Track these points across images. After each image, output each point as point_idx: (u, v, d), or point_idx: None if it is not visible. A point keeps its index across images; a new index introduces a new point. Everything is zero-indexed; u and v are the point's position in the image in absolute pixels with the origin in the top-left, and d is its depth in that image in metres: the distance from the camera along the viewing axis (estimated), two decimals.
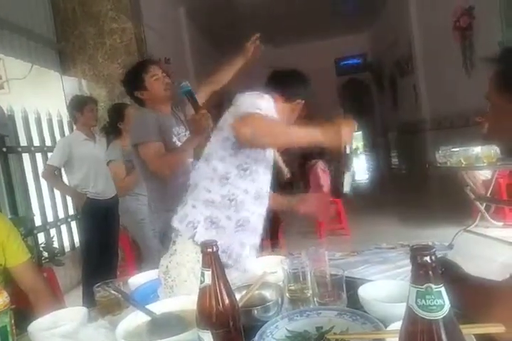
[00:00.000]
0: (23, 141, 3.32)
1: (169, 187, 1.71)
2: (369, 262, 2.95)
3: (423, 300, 0.46)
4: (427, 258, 0.46)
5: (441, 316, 0.45)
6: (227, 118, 1.30)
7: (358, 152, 13.78)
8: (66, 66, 4.18)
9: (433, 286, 0.46)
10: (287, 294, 0.92)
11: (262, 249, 3.80)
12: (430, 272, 0.46)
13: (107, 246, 2.95)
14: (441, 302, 0.46)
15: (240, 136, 1.12)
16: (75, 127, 3.17)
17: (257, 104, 1.23)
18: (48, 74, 3.98)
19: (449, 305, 0.46)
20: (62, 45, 4.12)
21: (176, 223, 1.18)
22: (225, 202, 1.20)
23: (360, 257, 3.19)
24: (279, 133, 1.19)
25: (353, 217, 4.63)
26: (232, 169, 1.23)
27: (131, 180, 2.69)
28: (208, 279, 0.63)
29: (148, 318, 0.79)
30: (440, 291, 0.46)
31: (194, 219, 1.16)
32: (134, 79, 1.91)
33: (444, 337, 0.45)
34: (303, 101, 1.46)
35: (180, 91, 1.74)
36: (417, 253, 0.47)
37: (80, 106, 2.97)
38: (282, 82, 1.47)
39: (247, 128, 1.10)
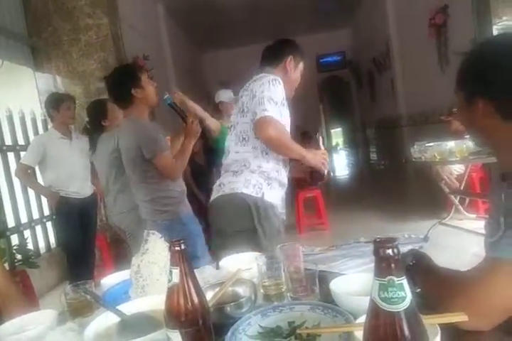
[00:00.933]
0: None
1: (172, 187, 1.97)
2: (348, 256, 2.97)
3: (385, 293, 0.46)
4: (389, 251, 0.47)
5: (403, 308, 0.46)
6: (246, 102, 1.59)
7: (338, 148, 13.96)
8: (39, 62, 4.07)
9: (395, 279, 0.46)
10: (262, 290, 0.92)
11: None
12: (392, 265, 0.47)
13: (83, 246, 2.90)
14: (403, 294, 0.46)
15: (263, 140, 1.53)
16: (51, 125, 3.08)
17: (271, 97, 1.51)
18: (20, 70, 3.86)
19: (411, 297, 0.47)
20: (35, 40, 4.00)
21: (241, 188, 1.53)
22: (276, 169, 1.61)
23: (339, 251, 3.19)
24: (289, 142, 1.57)
25: (333, 212, 4.69)
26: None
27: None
28: (176, 278, 0.62)
29: (119, 319, 0.78)
30: (402, 284, 0.46)
31: (257, 182, 1.55)
32: (132, 76, 1.93)
33: (406, 328, 0.46)
34: (295, 59, 1.73)
35: (165, 104, 1.97)
36: (379, 246, 0.47)
37: (56, 103, 2.89)
38: (275, 52, 1.77)
39: (264, 134, 1.49)
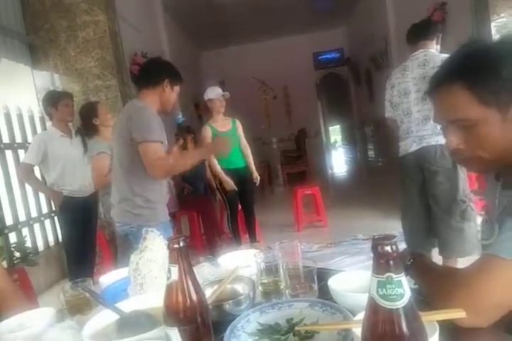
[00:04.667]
0: None
1: (153, 187, 1.89)
2: (346, 253, 3.00)
3: (384, 290, 0.46)
4: (388, 248, 0.47)
5: (402, 305, 0.46)
6: None
7: (336, 145, 13.96)
8: (37, 60, 4.04)
9: (393, 276, 0.46)
10: (260, 287, 0.92)
11: (240, 243, 3.87)
12: (391, 262, 0.47)
13: (85, 244, 2.90)
14: (402, 291, 0.46)
15: None
16: (50, 123, 3.07)
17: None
18: (17, 68, 3.84)
19: (410, 294, 0.47)
20: (32, 38, 3.97)
21: None
22: None
23: (338, 248, 3.24)
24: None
25: (331, 209, 4.70)
26: None
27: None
28: (175, 275, 0.62)
29: (117, 317, 0.78)
30: (400, 281, 0.47)
31: None
32: (173, 71, 1.98)
33: (404, 325, 0.46)
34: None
35: (174, 121, 2.15)
36: (378, 242, 0.47)
37: (54, 101, 2.88)
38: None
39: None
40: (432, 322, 0.58)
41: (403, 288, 0.46)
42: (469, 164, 0.82)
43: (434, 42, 2.45)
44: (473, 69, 0.73)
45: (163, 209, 1.98)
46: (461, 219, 2.30)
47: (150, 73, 1.96)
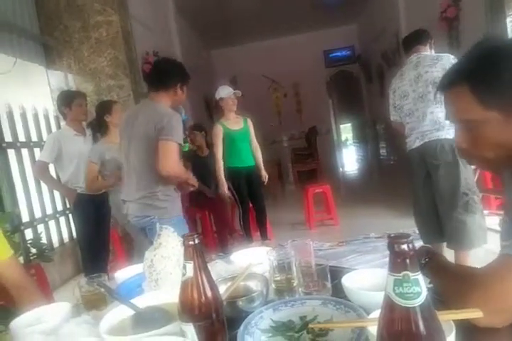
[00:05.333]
0: (8, 137, 3.26)
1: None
2: (357, 252, 2.98)
3: (400, 288, 0.46)
4: (404, 246, 0.46)
5: (419, 303, 0.46)
6: None
7: (348, 143, 13.87)
8: (51, 60, 4.10)
9: (410, 274, 0.46)
10: (273, 285, 0.92)
11: (251, 240, 3.88)
12: (407, 260, 0.46)
13: (99, 241, 2.94)
14: (419, 289, 0.46)
15: None
16: (64, 122, 3.12)
17: None
18: (32, 68, 3.90)
19: (427, 293, 0.47)
20: (47, 38, 4.03)
21: None
22: None
23: (349, 247, 3.21)
24: None
25: (342, 207, 4.68)
26: None
27: (103, 185, 2.76)
28: (190, 271, 0.63)
29: (132, 312, 0.79)
30: (417, 279, 0.46)
31: None
32: (184, 73, 2.06)
33: (421, 324, 0.45)
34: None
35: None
36: (394, 241, 0.47)
37: (68, 101, 2.92)
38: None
39: None
40: (448, 321, 0.58)
41: (420, 286, 0.46)
42: (476, 163, 0.84)
43: (428, 47, 2.58)
44: (477, 72, 0.74)
45: (179, 203, 2.08)
46: (464, 211, 2.32)
47: (163, 76, 2.02)
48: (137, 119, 1.99)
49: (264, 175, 3.69)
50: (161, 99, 2.01)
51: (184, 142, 2.09)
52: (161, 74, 2.03)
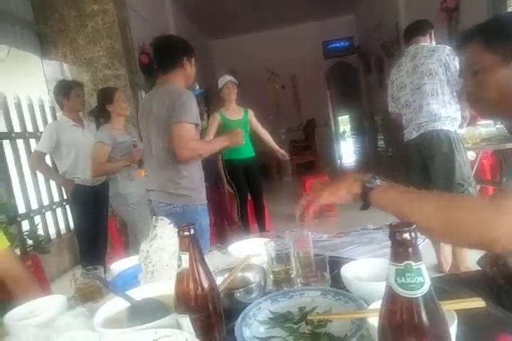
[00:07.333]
0: (3, 127, 3.22)
1: (194, 170, 1.97)
2: (356, 243, 2.96)
3: (402, 278, 0.45)
4: (406, 235, 0.45)
5: (422, 294, 0.44)
6: None
7: (346, 135, 13.83)
8: (46, 49, 4.04)
9: (413, 264, 0.45)
10: (271, 276, 0.91)
11: (249, 232, 3.87)
12: (410, 249, 0.45)
13: (96, 232, 2.93)
14: (421, 279, 0.45)
15: None
16: (61, 113, 3.08)
17: None
18: (27, 57, 3.84)
19: (429, 283, 0.45)
20: (42, 27, 3.96)
21: None
22: None
23: (347, 238, 3.19)
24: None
25: None
26: None
27: (112, 168, 2.69)
28: (186, 263, 0.62)
29: (128, 304, 0.78)
30: (420, 268, 0.45)
31: None
32: (188, 48, 2.00)
33: (424, 314, 0.44)
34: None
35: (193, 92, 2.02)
36: (395, 230, 0.45)
37: (66, 91, 2.89)
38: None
39: None
40: (450, 311, 0.57)
41: (423, 276, 0.45)
42: (476, 106, 0.95)
43: (427, 37, 2.57)
44: (487, 25, 0.89)
45: (204, 191, 2.04)
46: None
47: (168, 56, 1.96)
48: (152, 105, 1.95)
49: (284, 154, 3.73)
50: (174, 80, 1.94)
51: (196, 95, 2.04)
52: (164, 52, 1.97)
